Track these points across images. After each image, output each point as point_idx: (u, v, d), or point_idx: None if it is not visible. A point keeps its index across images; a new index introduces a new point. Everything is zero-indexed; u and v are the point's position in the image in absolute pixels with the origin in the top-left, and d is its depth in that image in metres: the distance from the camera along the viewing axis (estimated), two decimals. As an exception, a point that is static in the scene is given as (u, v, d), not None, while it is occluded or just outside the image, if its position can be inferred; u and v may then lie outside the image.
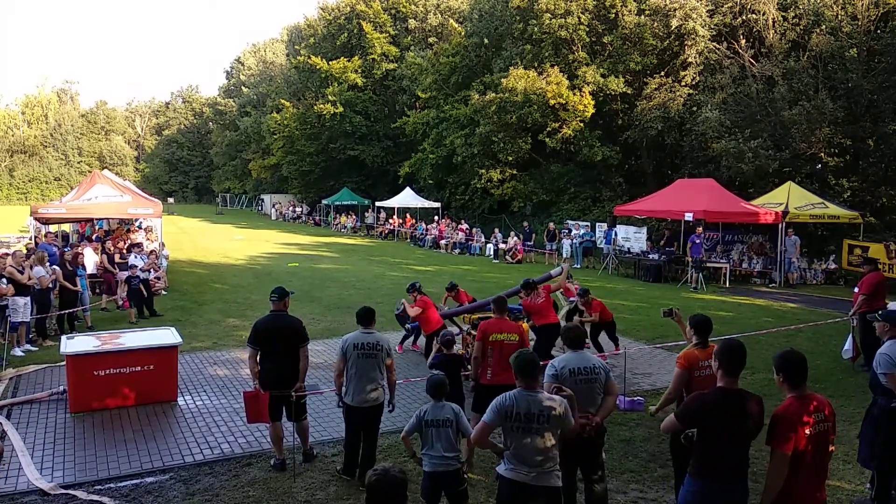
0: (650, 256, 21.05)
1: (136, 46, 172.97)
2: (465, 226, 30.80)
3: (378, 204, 39.80)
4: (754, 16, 24.65)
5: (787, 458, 3.68)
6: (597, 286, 18.88)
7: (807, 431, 3.72)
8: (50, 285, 11.72)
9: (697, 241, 19.07)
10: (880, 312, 5.87)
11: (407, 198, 36.65)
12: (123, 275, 14.26)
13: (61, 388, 8.45)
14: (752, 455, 6.52)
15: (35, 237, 15.88)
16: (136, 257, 14.20)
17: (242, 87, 70.19)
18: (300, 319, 6.62)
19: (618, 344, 10.56)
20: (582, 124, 27.82)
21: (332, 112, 42.61)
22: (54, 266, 12.02)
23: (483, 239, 28.93)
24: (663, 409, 5.52)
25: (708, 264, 19.58)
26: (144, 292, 13.64)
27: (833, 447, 4.04)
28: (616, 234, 23.08)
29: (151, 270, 14.72)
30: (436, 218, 33.99)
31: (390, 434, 7.18)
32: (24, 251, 13.45)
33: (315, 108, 43.61)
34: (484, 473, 6.15)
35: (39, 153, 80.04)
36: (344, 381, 6.03)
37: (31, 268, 11.27)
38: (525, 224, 27.91)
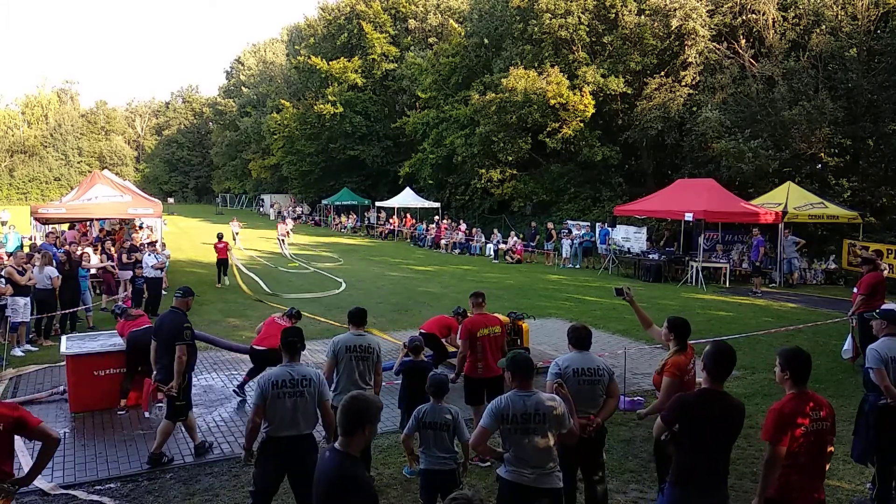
0: (650, 256, 21.04)
1: (136, 46, 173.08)
2: (463, 226, 30.79)
3: (378, 204, 39.82)
4: (754, 16, 24.65)
5: (782, 455, 3.68)
6: (597, 286, 18.91)
7: (802, 430, 3.72)
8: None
9: (760, 247, 18.42)
10: (878, 310, 5.88)
11: (407, 198, 36.66)
12: (127, 274, 14.24)
13: (61, 388, 8.45)
14: (753, 455, 6.55)
15: (49, 234, 15.91)
16: (150, 255, 14.14)
17: (242, 87, 70.18)
18: (182, 320, 6.58)
19: None
20: (582, 124, 27.82)
21: (332, 112, 42.61)
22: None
23: (483, 239, 28.94)
24: (650, 416, 5.49)
25: (707, 264, 19.60)
26: (149, 292, 13.63)
27: (832, 448, 4.03)
28: (610, 233, 23.10)
29: (162, 269, 14.66)
30: (436, 218, 33.97)
31: (390, 434, 7.18)
32: (26, 252, 13.46)
33: (315, 108, 43.62)
34: (484, 473, 6.14)
35: (39, 153, 80.00)
36: (333, 384, 5.95)
37: (42, 268, 11.29)
38: (532, 224, 27.90)
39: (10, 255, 13.29)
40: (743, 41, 25.10)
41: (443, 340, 9.36)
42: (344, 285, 18.39)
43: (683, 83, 26.02)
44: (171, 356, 6.49)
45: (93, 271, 14.16)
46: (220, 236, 18.73)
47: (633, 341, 11.60)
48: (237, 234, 28.44)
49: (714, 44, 25.61)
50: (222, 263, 18.26)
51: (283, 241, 27.16)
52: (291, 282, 19.43)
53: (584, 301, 16.31)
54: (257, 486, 4.84)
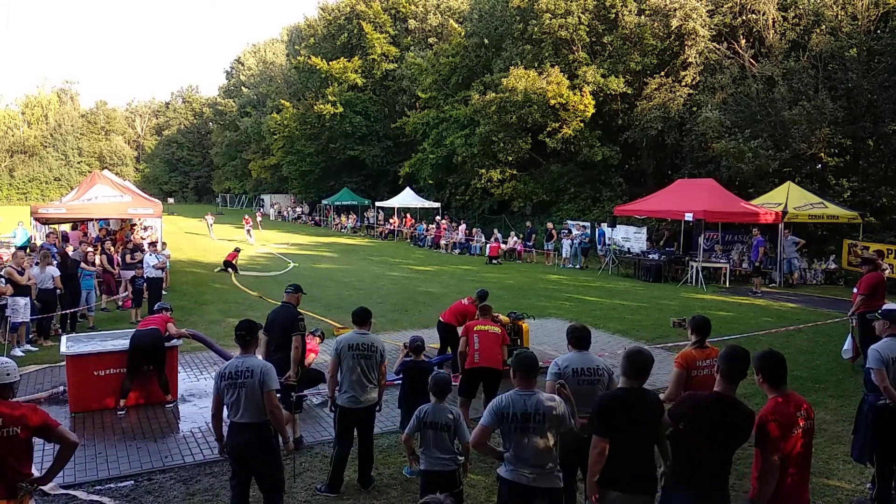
0: (650, 256, 21.04)
1: (136, 46, 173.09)
2: (463, 226, 30.77)
3: (378, 204, 39.80)
4: (754, 16, 24.65)
5: (778, 461, 3.66)
6: (597, 286, 18.92)
7: (798, 432, 3.71)
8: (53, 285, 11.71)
9: (760, 247, 18.20)
10: (880, 310, 5.87)
11: (407, 198, 36.64)
12: (128, 274, 14.23)
13: (61, 388, 8.44)
14: (752, 456, 6.54)
15: (50, 234, 15.90)
16: (150, 255, 14.14)
17: (242, 88, 70.19)
18: (296, 313, 7.02)
19: None
20: (582, 124, 27.81)
21: (332, 112, 42.61)
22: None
23: (483, 239, 28.93)
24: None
25: (707, 264, 19.59)
26: (149, 292, 13.62)
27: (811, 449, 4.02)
28: (605, 233, 23.08)
29: (163, 269, 14.65)
30: (436, 218, 33.96)
31: (391, 434, 7.18)
32: (27, 251, 13.45)
33: (315, 108, 43.62)
34: (484, 473, 6.14)
35: (39, 153, 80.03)
36: (337, 382, 6.01)
37: (44, 268, 11.28)
38: (528, 224, 27.91)
39: (18, 249, 13.32)
40: (743, 41, 25.10)
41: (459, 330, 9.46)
42: (292, 265, 22.59)
43: (683, 83, 26.01)
44: (285, 349, 6.78)
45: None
46: (237, 250, 22.37)
47: (633, 341, 11.58)
48: (211, 226, 35.53)
49: (714, 44, 25.61)
50: (228, 265, 21.13)
51: (249, 231, 33.15)
52: (253, 265, 22.94)
53: (584, 301, 16.30)
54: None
